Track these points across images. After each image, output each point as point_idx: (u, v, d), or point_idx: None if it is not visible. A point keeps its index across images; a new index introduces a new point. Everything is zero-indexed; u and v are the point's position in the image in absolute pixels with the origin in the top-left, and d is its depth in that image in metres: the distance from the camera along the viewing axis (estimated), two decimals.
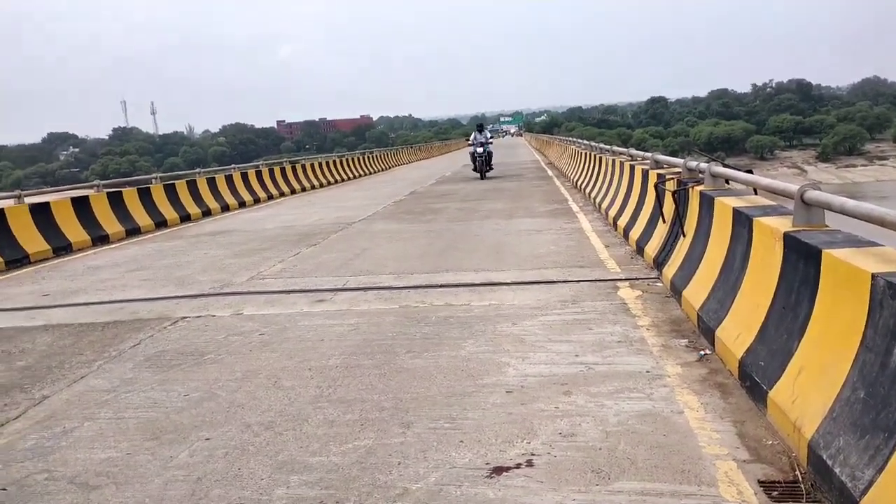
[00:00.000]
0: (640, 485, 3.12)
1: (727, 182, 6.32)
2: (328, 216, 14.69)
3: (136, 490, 3.34)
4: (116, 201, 13.94)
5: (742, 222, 4.90)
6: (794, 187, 4.37)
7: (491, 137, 23.62)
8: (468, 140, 23.35)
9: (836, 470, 2.82)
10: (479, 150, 22.50)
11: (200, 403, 4.40)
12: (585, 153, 18.65)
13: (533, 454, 3.46)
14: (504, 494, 3.11)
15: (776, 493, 3.01)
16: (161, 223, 14.86)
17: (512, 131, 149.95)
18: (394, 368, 4.82)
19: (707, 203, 5.96)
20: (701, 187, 6.35)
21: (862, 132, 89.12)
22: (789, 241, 4.01)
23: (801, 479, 3.10)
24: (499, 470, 3.33)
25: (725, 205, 5.37)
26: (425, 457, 3.50)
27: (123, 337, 6.05)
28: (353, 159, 32.56)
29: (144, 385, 4.80)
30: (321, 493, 3.21)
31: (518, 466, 3.35)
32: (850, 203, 3.70)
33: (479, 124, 24.28)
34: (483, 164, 22.68)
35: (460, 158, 44.15)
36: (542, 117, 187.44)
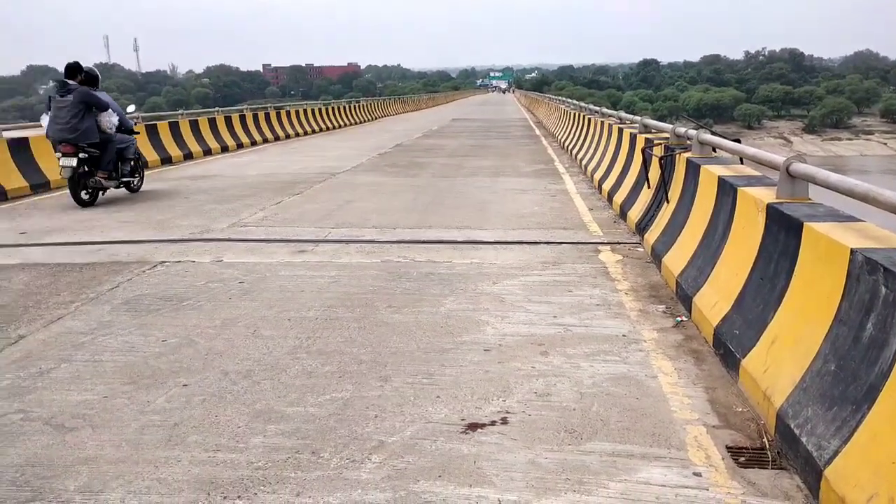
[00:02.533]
0: (612, 446, 3.18)
1: (714, 150, 6.32)
2: (312, 165, 14.55)
3: (112, 433, 3.35)
4: None
5: (726, 191, 4.92)
6: (779, 159, 4.38)
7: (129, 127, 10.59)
8: None
9: (803, 439, 2.89)
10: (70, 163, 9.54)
11: (178, 349, 4.39)
12: (574, 114, 18.54)
13: (508, 412, 3.51)
14: (478, 450, 3.15)
15: (743, 458, 3.08)
16: None
17: (503, 87, 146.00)
18: (373, 322, 4.83)
19: (693, 170, 5.97)
20: (688, 154, 6.35)
21: (850, 105, 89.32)
22: (772, 212, 4.04)
23: (768, 446, 3.17)
24: (474, 426, 3.37)
25: (711, 173, 5.38)
26: (402, 411, 3.53)
27: (101, 279, 6.00)
28: (339, 108, 32.13)
29: (122, 329, 4.78)
30: (297, 443, 3.24)
31: (493, 423, 3.39)
32: (835, 177, 3.71)
33: (72, 66, 9.84)
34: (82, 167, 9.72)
35: (448, 112, 43.81)
36: (533, 74, 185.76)
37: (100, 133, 9.65)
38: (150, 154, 15.07)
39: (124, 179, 10.33)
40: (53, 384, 3.92)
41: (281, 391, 3.78)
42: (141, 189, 10.95)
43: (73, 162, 9.36)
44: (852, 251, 3.03)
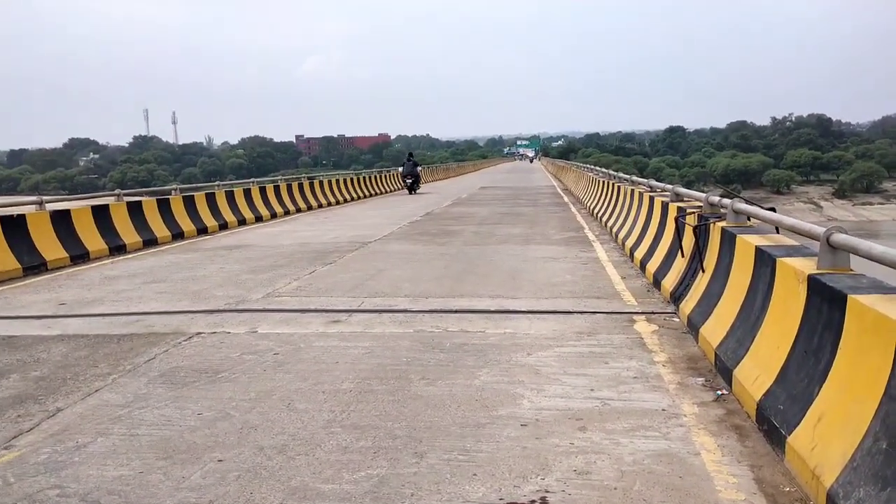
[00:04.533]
0: None
1: (749, 219, 6.29)
2: (344, 235, 14.74)
3: None
4: (135, 211, 14.04)
5: (765, 261, 4.87)
6: (819, 229, 4.34)
7: (418, 164, 32.70)
8: (400, 170, 33.21)
9: None
10: (410, 180, 31.17)
11: (214, 423, 4.39)
12: (603, 181, 18.64)
13: (547, 491, 3.42)
14: None
15: None
16: (178, 235, 14.95)
17: (530, 155, 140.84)
18: (408, 395, 4.80)
19: (728, 240, 5.93)
20: (722, 223, 6.32)
21: (880, 170, 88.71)
22: (814, 283, 3.98)
23: None
24: None
25: (748, 243, 5.34)
26: (438, 489, 3.47)
27: (138, 350, 6.06)
28: (370, 177, 32.68)
29: (158, 401, 4.80)
30: None
31: (532, 503, 3.31)
32: (878, 249, 3.66)
33: (409, 153, 35.14)
34: (414, 183, 31.29)
35: (477, 180, 44.26)
36: (560, 142, 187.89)
37: (416, 173, 31.35)
38: (186, 224, 15.44)
39: (417, 189, 30.91)
40: (90, 458, 3.92)
41: (316, 467, 3.74)
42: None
43: (410, 181, 30.52)
44: None
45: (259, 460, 3.84)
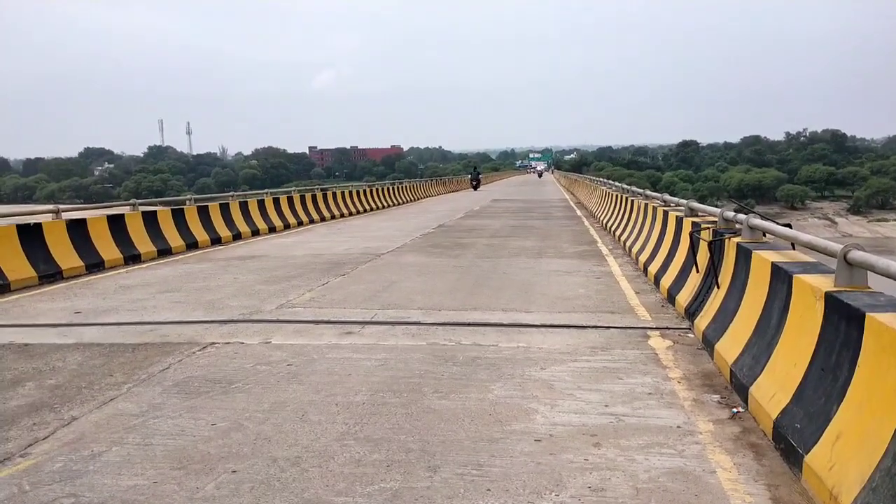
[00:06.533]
0: None
1: (764, 235, 6.25)
2: (357, 246, 14.77)
3: None
4: (150, 221, 14.14)
5: (781, 278, 4.84)
6: (836, 246, 4.31)
7: (479, 173, 56.80)
8: (469, 176, 54.52)
9: None
10: (475, 182, 52.03)
11: (228, 434, 4.40)
12: (616, 195, 18.61)
13: None
14: None
15: None
16: (192, 245, 15.03)
17: (540, 168, 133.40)
18: (421, 408, 4.79)
19: (744, 255, 5.90)
20: (738, 239, 6.29)
21: None
22: (831, 301, 3.95)
23: None
24: None
25: (764, 259, 5.31)
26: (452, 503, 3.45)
27: (153, 360, 6.09)
28: (382, 189, 32.79)
29: (173, 411, 4.82)
30: None
31: None
32: None
33: (474, 166, 60.01)
34: (477, 184, 51.76)
35: (489, 193, 44.27)
36: (572, 155, 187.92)
37: (479, 178, 54.84)
38: (200, 234, 15.53)
39: (478, 187, 52.06)
40: (105, 468, 3.94)
41: (329, 480, 3.74)
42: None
43: (475, 183, 53.34)
44: None
45: (272, 472, 3.84)
